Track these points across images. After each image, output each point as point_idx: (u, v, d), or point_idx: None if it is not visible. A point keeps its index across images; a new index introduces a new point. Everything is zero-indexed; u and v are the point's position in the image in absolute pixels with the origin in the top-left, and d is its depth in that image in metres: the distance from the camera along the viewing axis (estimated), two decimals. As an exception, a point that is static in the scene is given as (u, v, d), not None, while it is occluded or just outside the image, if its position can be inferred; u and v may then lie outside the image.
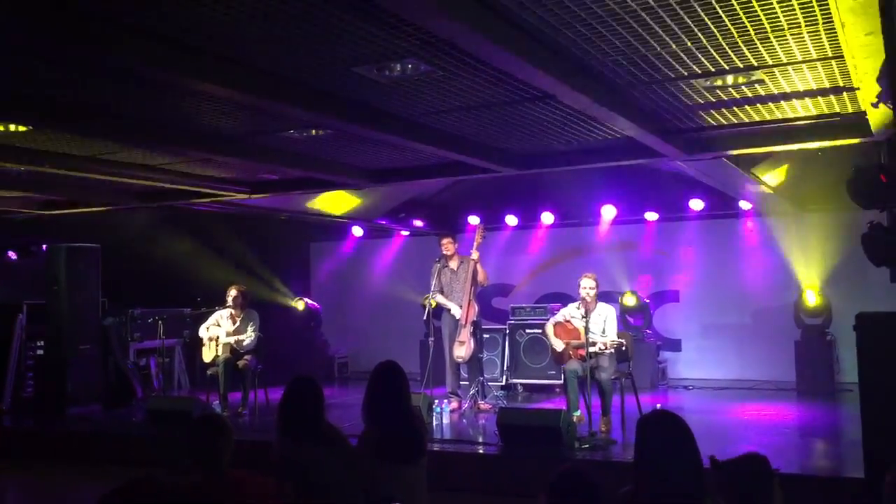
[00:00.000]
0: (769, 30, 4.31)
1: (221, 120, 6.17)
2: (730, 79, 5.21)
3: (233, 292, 9.28)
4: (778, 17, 4.13)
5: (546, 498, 2.87)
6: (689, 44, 4.52)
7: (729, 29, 4.29)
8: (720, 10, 4.02)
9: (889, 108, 5.52)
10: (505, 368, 10.85)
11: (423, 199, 12.28)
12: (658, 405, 9.38)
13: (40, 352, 10.28)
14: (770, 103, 5.89)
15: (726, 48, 4.61)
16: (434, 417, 8.16)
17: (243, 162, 7.61)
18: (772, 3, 3.94)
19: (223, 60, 4.65)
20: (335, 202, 10.99)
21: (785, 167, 8.78)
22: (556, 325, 8.13)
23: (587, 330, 7.53)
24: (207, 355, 9.30)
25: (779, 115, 6.29)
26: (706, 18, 4.12)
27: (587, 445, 6.89)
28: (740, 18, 4.13)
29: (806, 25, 4.25)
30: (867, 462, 5.50)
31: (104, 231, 10.87)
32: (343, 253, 14.03)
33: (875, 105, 5.51)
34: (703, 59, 4.80)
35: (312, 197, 10.35)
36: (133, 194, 9.57)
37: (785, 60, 4.86)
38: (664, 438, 2.95)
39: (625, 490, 2.94)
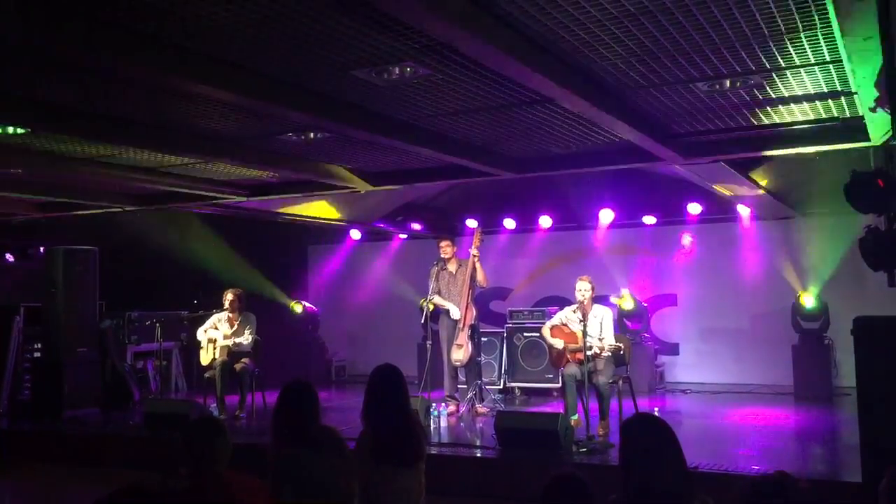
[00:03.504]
0: (767, 34, 4.32)
1: (220, 123, 6.17)
2: (728, 83, 5.22)
3: (229, 296, 9.29)
4: (776, 22, 4.14)
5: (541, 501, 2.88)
6: (687, 48, 4.53)
7: (727, 33, 4.29)
8: (719, 15, 4.02)
9: (887, 112, 5.53)
10: (503, 372, 10.85)
11: (421, 203, 12.29)
12: (655, 409, 9.38)
13: (37, 354, 10.28)
14: (768, 107, 5.90)
15: (725, 53, 4.62)
16: (432, 421, 8.16)
17: (242, 165, 7.61)
18: (770, 8, 3.95)
19: (221, 63, 4.65)
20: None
21: (782, 171, 8.78)
22: (553, 328, 8.12)
23: (584, 334, 7.53)
24: (205, 358, 9.29)
25: (777, 120, 6.29)
26: (705, 23, 4.13)
27: (585, 449, 6.89)
28: (739, 23, 4.14)
29: (804, 30, 4.26)
30: (864, 466, 5.51)
31: (102, 234, 10.86)
32: (341, 256, 14.04)
33: (873, 110, 5.52)
34: (701, 63, 4.81)
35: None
36: (131, 197, 9.57)
37: (783, 65, 4.87)
38: (645, 441, 2.96)
39: (612, 498, 2.95)
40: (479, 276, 9.08)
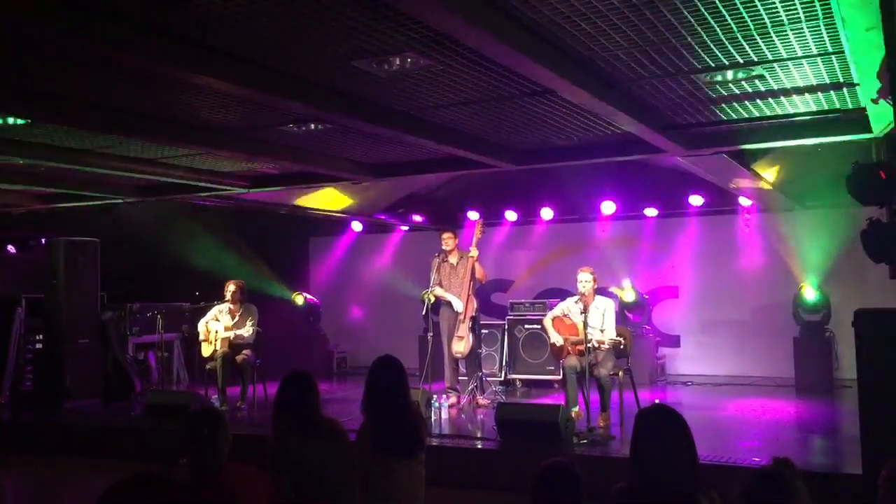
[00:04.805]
0: (769, 25, 4.30)
1: (221, 114, 6.16)
2: (730, 74, 5.20)
3: (231, 287, 9.29)
4: (778, 13, 4.12)
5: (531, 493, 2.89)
6: (689, 39, 4.51)
7: (729, 24, 4.28)
8: (720, 6, 4.01)
9: (889, 103, 5.51)
10: (504, 364, 10.85)
11: (423, 194, 12.27)
12: (657, 400, 9.39)
13: (39, 345, 10.29)
14: (770, 99, 5.88)
15: (726, 43, 4.60)
16: (433, 412, 8.17)
17: (243, 156, 7.60)
18: (772, -2, 3.94)
19: (223, 54, 4.64)
20: (329, 200, 11.00)
21: (784, 163, 8.77)
22: (555, 319, 8.12)
23: (586, 325, 7.53)
24: (206, 350, 9.30)
25: (779, 111, 6.28)
26: (706, 14, 4.12)
27: (585, 441, 6.89)
28: (740, 13, 4.12)
29: (806, 20, 4.24)
30: (865, 458, 5.51)
31: (103, 225, 10.86)
32: (342, 248, 14.04)
33: (875, 101, 5.51)
34: (703, 54, 4.79)
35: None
36: (132, 188, 9.57)
37: (785, 56, 4.85)
38: (660, 432, 2.95)
39: (619, 486, 2.94)
40: (479, 273, 9.09)
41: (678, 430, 2.96)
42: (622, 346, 7.78)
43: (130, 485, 2.49)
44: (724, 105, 6.04)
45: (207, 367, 9.30)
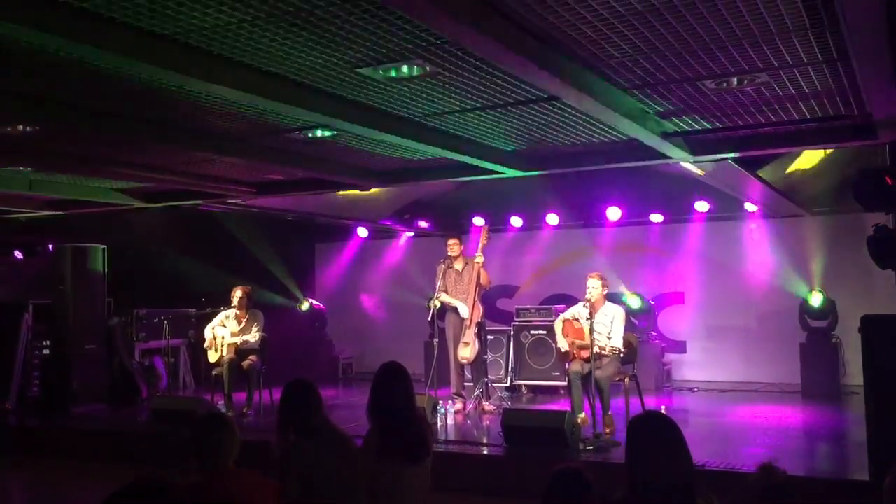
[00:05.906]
0: (775, 31, 4.31)
1: (227, 121, 6.18)
2: (735, 81, 5.20)
3: (238, 293, 9.31)
4: (784, 19, 4.12)
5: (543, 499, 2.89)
6: (695, 46, 4.52)
7: (735, 31, 4.28)
8: (726, 12, 4.02)
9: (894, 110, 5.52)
10: (509, 370, 10.86)
11: (428, 201, 12.29)
12: (662, 407, 9.37)
13: (46, 351, 10.34)
14: (776, 105, 5.88)
15: (732, 50, 4.61)
16: (438, 418, 8.17)
17: (249, 163, 7.63)
18: (778, 6, 3.94)
19: (229, 62, 4.66)
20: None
21: (790, 169, 8.76)
22: (565, 321, 8.11)
23: (592, 331, 7.52)
24: (213, 356, 9.32)
25: (784, 118, 6.27)
26: (712, 20, 4.12)
27: (591, 447, 6.89)
28: (746, 20, 4.13)
29: (812, 27, 4.24)
30: (872, 465, 5.50)
31: (110, 231, 10.91)
32: (348, 254, 14.06)
33: (880, 107, 5.51)
34: (709, 61, 4.80)
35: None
36: (140, 194, 9.60)
37: (790, 62, 4.85)
38: (653, 440, 2.95)
39: (617, 495, 2.95)
40: (484, 279, 9.10)
41: (670, 436, 2.96)
42: (621, 355, 7.75)
43: (136, 489, 2.49)
44: (729, 111, 6.04)
45: (214, 372, 9.33)
